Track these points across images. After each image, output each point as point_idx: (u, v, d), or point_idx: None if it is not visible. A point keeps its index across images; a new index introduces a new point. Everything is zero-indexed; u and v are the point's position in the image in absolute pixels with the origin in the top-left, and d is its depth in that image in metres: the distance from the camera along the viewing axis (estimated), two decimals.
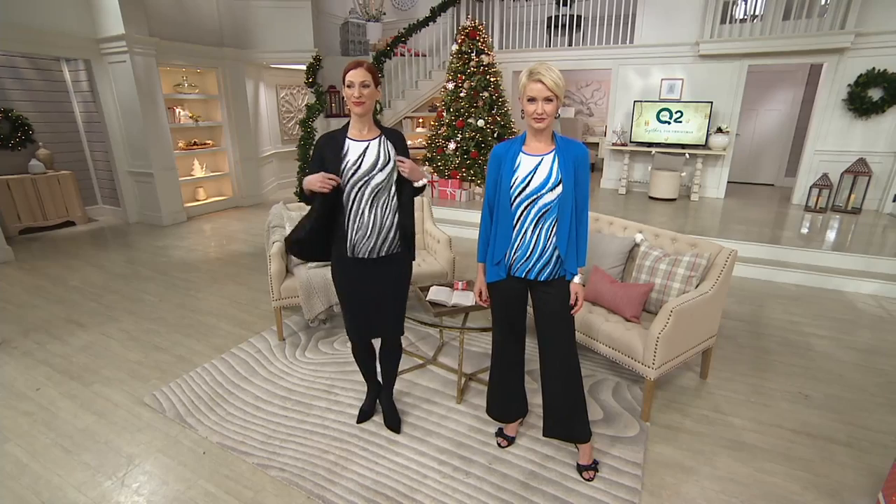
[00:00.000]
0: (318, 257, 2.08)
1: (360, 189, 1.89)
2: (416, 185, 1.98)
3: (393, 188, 1.96)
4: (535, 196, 1.75)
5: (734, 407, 2.51)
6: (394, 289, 2.08)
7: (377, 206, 1.92)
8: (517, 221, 1.81)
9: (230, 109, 6.98)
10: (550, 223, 1.78)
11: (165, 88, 6.26)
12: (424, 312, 2.61)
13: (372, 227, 1.92)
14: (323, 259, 2.08)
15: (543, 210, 1.76)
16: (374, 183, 1.89)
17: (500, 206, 1.82)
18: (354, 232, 1.93)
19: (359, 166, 1.87)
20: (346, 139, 1.91)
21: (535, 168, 1.75)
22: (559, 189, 1.73)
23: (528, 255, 1.82)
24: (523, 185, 1.76)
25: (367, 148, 1.90)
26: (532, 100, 1.68)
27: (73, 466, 2.08)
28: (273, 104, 8.30)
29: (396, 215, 1.98)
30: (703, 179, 6.90)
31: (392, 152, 1.94)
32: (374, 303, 2.06)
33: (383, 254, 1.98)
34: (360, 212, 1.91)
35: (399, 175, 1.95)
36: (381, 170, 1.90)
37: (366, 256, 1.96)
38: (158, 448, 2.19)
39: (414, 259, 2.13)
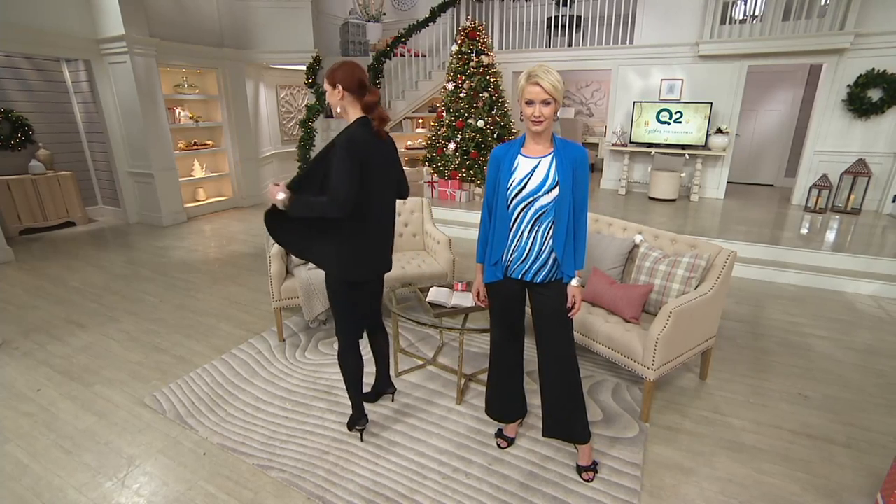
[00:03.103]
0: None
1: None
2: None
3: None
4: (531, 198, 1.75)
5: (733, 408, 2.51)
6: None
7: None
8: (514, 223, 1.81)
9: (230, 110, 6.99)
10: (547, 225, 1.78)
11: (165, 89, 6.26)
12: (424, 313, 2.62)
13: None
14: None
15: (540, 212, 1.77)
16: None
17: (498, 208, 1.83)
18: None
19: None
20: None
21: (533, 170, 1.76)
22: (556, 191, 1.73)
23: (524, 256, 1.82)
24: (520, 186, 1.76)
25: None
26: (530, 102, 1.68)
27: (74, 467, 2.09)
28: (273, 104, 8.30)
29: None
30: (702, 180, 6.90)
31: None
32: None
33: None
34: None
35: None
36: None
37: None
38: (159, 449, 2.20)
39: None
